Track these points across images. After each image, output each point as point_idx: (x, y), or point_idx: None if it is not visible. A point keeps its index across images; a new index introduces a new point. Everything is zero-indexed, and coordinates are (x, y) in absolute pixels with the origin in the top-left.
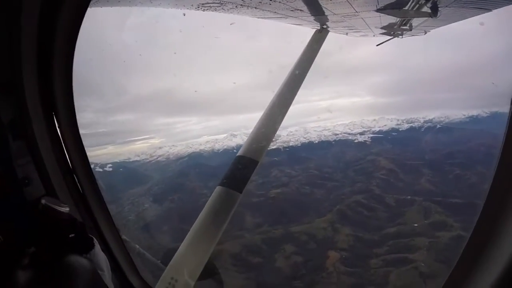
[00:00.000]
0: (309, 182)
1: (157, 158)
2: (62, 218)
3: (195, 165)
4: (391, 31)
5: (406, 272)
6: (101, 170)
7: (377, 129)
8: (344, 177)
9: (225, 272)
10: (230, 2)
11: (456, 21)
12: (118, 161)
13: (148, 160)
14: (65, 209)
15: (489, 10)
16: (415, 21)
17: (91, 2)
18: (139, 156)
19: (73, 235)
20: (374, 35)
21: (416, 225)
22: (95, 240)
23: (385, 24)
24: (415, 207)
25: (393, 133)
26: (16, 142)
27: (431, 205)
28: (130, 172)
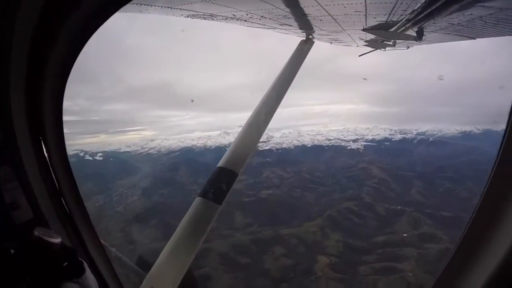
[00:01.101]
0: (301, 185)
1: (148, 150)
2: (55, 249)
3: (186, 160)
4: (374, 45)
5: (394, 281)
6: (91, 158)
7: (370, 137)
8: (336, 183)
9: (212, 271)
10: (220, 15)
11: (439, 43)
12: (108, 150)
13: (139, 152)
14: (58, 240)
15: (473, 38)
16: None
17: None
18: (130, 147)
19: (66, 263)
20: (357, 46)
21: (405, 235)
22: (85, 263)
23: (369, 39)
24: (405, 218)
25: (386, 143)
26: (3, 168)
27: (420, 216)
28: (120, 163)
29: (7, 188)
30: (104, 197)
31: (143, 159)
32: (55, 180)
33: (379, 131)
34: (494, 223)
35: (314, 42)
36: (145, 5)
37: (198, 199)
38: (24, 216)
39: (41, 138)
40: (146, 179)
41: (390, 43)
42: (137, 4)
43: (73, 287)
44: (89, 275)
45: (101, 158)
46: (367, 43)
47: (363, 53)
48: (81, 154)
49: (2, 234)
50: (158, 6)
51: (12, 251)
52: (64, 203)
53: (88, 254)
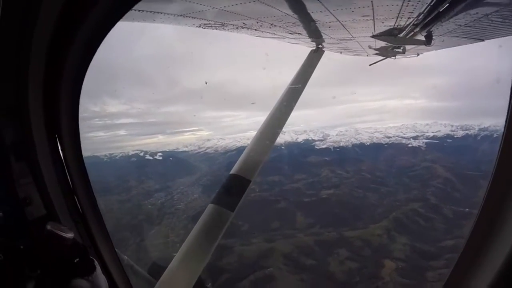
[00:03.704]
0: (362, 185)
1: (205, 150)
2: (67, 244)
3: None
4: (384, 53)
5: None
6: (151, 158)
7: (431, 134)
8: (398, 182)
9: (277, 271)
10: (231, 24)
11: (449, 47)
12: (167, 150)
13: (196, 151)
14: (70, 235)
15: (482, 40)
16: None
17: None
18: (187, 147)
19: (77, 259)
20: (367, 55)
21: None
22: (95, 262)
23: (378, 47)
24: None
25: (448, 140)
26: (19, 163)
27: None
28: (179, 162)
29: (21, 184)
30: (166, 194)
31: (201, 158)
32: (69, 178)
33: (439, 127)
34: (498, 221)
35: (324, 51)
36: (158, 13)
37: (210, 206)
38: (37, 212)
39: (56, 136)
40: (205, 177)
41: (400, 50)
42: (151, 12)
43: (83, 283)
44: (99, 273)
45: (160, 158)
46: (377, 51)
47: (373, 62)
48: (141, 154)
49: (14, 229)
50: (171, 14)
51: (22, 247)
52: (77, 201)
53: (99, 253)
